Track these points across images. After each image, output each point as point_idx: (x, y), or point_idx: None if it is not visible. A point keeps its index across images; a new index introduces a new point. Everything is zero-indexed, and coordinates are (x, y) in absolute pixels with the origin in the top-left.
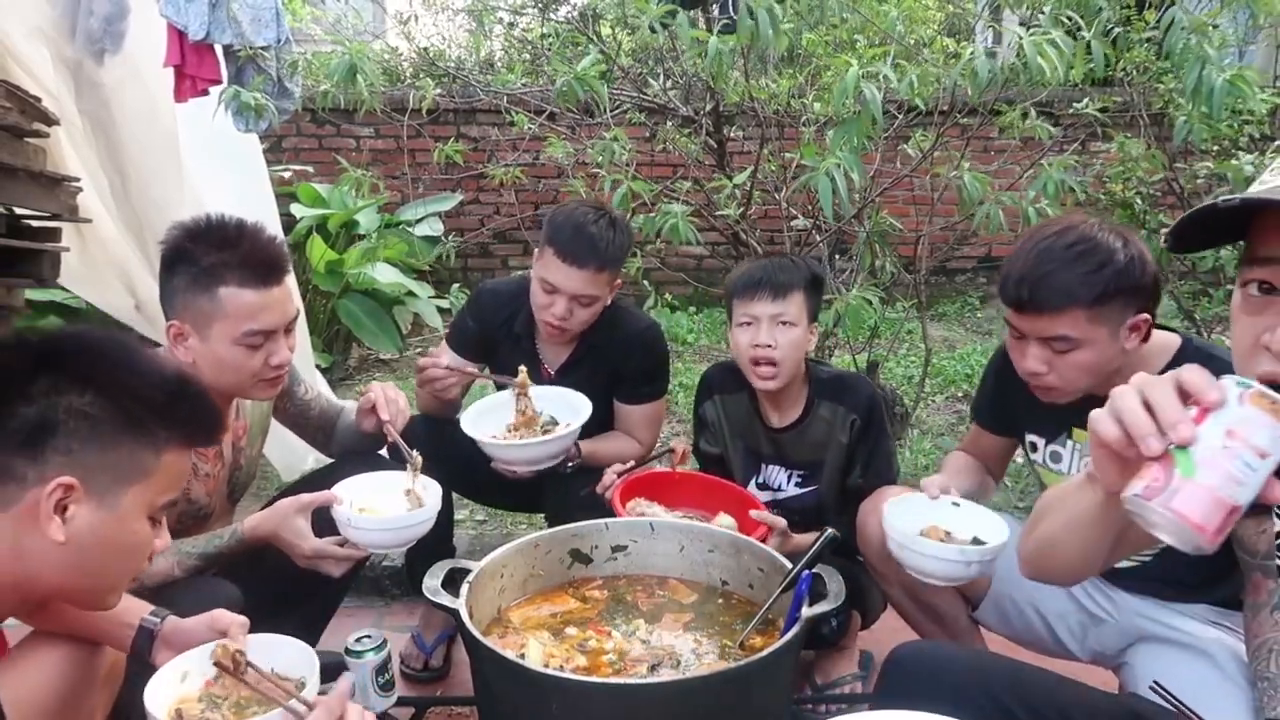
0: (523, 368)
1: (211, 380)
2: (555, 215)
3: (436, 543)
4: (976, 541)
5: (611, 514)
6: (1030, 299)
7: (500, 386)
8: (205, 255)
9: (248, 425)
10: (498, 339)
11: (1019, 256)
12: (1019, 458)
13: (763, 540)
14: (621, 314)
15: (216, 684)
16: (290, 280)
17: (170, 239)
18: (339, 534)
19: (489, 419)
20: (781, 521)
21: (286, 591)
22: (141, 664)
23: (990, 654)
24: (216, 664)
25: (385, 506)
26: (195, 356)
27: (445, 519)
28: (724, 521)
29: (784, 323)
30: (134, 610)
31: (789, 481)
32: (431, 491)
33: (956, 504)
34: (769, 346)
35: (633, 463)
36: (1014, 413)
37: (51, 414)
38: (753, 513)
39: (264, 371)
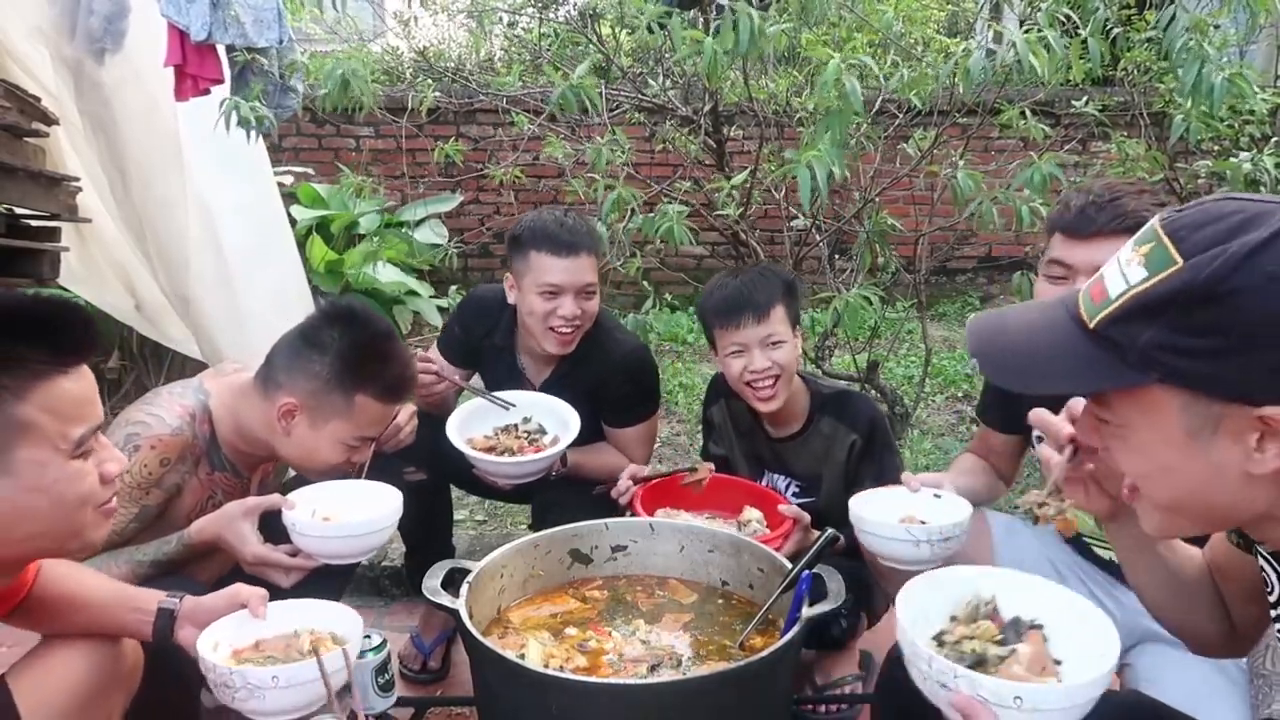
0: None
1: (292, 458)
2: (517, 231)
3: (436, 543)
4: None
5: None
6: (1096, 219)
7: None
8: (360, 361)
9: (275, 464)
10: (482, 349)
11: (1073, 194)
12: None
13: (787, 535)
14: (606, 334)
15: (246, 650)
16: None
17: (321, 320)
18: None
19: (475, 422)
20: (807, 516)
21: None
22: (164, 646)
23: None
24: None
25: (349, 516)
26: (294, 434)
27: (445, 519)
28: (751, 515)
29: (774, 343)
30: (146, 597)
31: (787, 490)
32: (388, 500)
33: (938, 496)
34: (768, 369)
35: (650, 469)
36: (1020, 408)
37: None
38: (782, 507)
39: (341, 467)
